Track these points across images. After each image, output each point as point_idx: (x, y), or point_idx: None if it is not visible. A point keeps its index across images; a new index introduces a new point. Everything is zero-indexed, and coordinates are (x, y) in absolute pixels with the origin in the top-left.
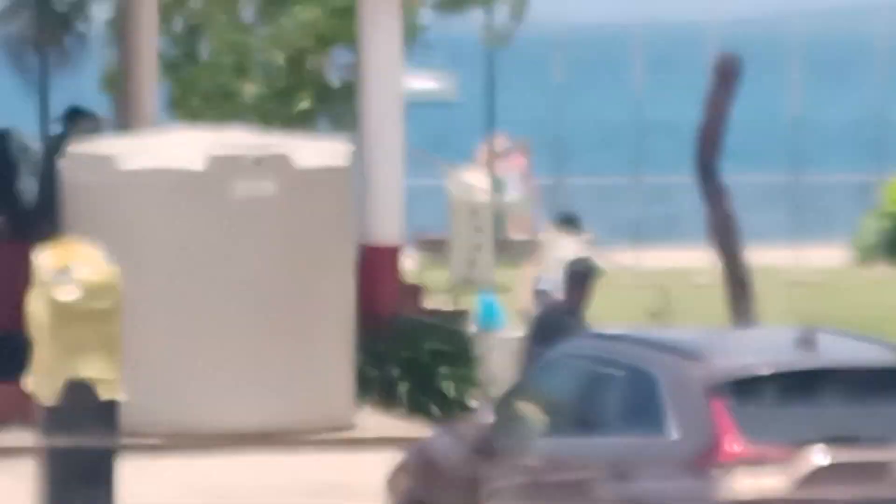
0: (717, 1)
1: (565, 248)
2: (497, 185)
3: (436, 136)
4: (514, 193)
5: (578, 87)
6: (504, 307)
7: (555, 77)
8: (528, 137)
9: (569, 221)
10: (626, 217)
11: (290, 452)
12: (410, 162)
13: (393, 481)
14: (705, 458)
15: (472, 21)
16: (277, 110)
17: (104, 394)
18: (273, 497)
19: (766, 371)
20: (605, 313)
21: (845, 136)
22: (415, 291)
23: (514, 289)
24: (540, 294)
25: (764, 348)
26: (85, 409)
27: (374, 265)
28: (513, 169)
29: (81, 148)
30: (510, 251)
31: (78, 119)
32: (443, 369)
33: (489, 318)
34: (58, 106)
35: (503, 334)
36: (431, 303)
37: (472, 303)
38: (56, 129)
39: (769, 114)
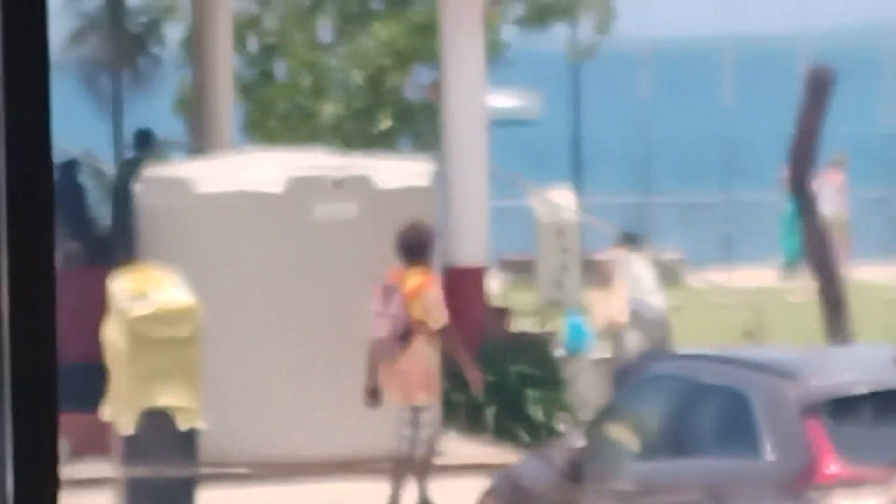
0: (806, 13)
1: (636, 267)
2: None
3: (519, 155)
4: (829, 209)
5: (664, 102)
6: (592, 329)
7: (640, 93)
8: (843, 152)
9: (631, 239)
10: (717, 234)
11: (374, 480)
12: (494, 182)
13: None
14: (803, 480)
15: (555, 36)
16: (357, 130)
17: (183, 423)
18: None
19: (863, 390)
20: (697, 333)
21: None
22: (501, 314)
23: (593, 308)
24: (635, 314)
25: (861, 367)
26: (164, 439)
27: (459, 287)
28: (827, 184)
29: (157, 171)
30: (598, 272)
31: (148, 141)
32: (530, 393)
33: (577, 339)
34: (132, 129)
35: (591, 356)
36: (518, 325)
37: (559, 325)
38: (130, 152)
39: (863, 128)
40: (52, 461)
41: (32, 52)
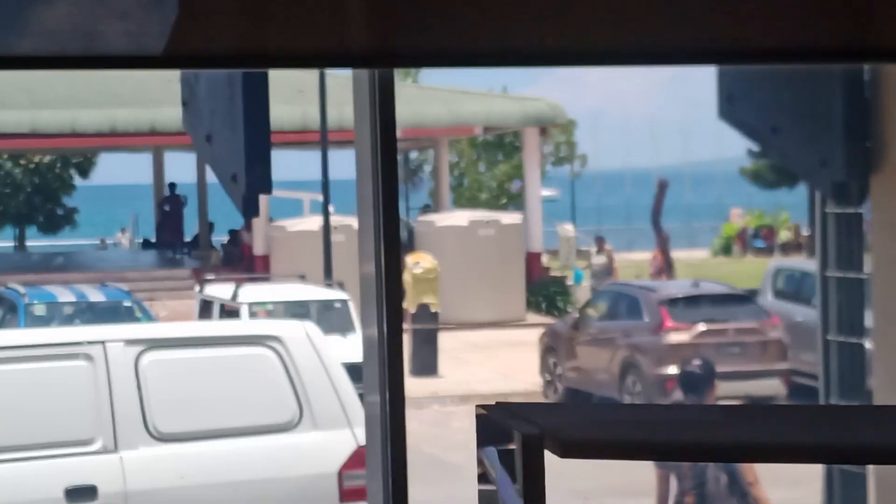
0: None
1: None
2: None
3: (552, 211)
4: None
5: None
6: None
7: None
8: None
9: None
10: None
11: (499, 329)
12: (545, 221)
13: (541, 339)
14: (658, 329)
15: None
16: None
17: (432, 309)
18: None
19: (680, 294)
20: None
21: None
22: (546, 269)
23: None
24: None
25: (682, 286)
26: (425, 315)
27: (532, 259)
28: None
29: (425, 217)
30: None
31: (429, 208)
32: (559, 297)
33: (577, 278)
34: (414, 201)
35: (581, 285)
36: (552, 272)
37: (570, 272)
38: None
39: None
40: (400, 379)
41: (388, 157)
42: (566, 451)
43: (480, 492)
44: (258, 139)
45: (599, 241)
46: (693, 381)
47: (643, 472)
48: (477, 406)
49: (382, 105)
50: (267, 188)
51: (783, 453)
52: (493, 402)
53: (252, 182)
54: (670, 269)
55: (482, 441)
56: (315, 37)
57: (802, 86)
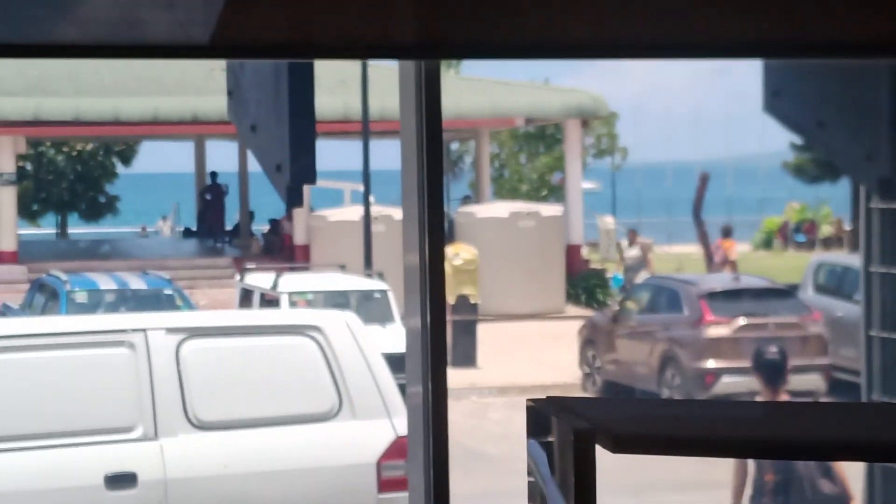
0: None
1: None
2: None
3: (592, 202)
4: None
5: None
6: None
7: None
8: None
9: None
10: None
11: (538, 321)
12: (585, 214)
13: (580, 331)
14: (698, 322)
15: None
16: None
17: (472, 300)
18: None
19: (720, 288)
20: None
21: None
22: (586, 261)
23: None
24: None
25: (721, 280)
26: (464, 306)
27: (572, 252)
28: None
29: (475, 208)
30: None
31: (468, 199)
32: (598, 289)
33: (616, 282)
34: (454, 192)
35: (621, 285)
36: (592, 265)
37: (611, 270)
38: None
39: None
40: (443, 370)
41: (434, 154)
42: (618, 447)
43: (530, 484)
44: (303, 129)
45: (632, 234)
46: (772, 367)
47: (683, 468)
48: (528, 399)
49: (428, 97)
50: (311, 178)
51: (828, 450)
52: (544, 396)
53: (297, 172)
54: (711, 261)
55: (532, 434)
56: (362, 27)
57: (849, 80)
